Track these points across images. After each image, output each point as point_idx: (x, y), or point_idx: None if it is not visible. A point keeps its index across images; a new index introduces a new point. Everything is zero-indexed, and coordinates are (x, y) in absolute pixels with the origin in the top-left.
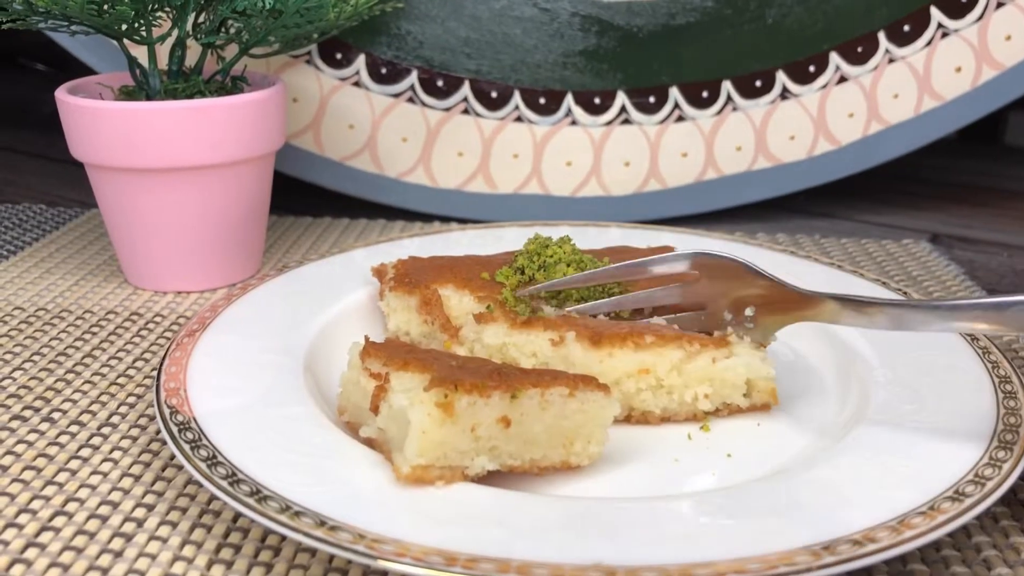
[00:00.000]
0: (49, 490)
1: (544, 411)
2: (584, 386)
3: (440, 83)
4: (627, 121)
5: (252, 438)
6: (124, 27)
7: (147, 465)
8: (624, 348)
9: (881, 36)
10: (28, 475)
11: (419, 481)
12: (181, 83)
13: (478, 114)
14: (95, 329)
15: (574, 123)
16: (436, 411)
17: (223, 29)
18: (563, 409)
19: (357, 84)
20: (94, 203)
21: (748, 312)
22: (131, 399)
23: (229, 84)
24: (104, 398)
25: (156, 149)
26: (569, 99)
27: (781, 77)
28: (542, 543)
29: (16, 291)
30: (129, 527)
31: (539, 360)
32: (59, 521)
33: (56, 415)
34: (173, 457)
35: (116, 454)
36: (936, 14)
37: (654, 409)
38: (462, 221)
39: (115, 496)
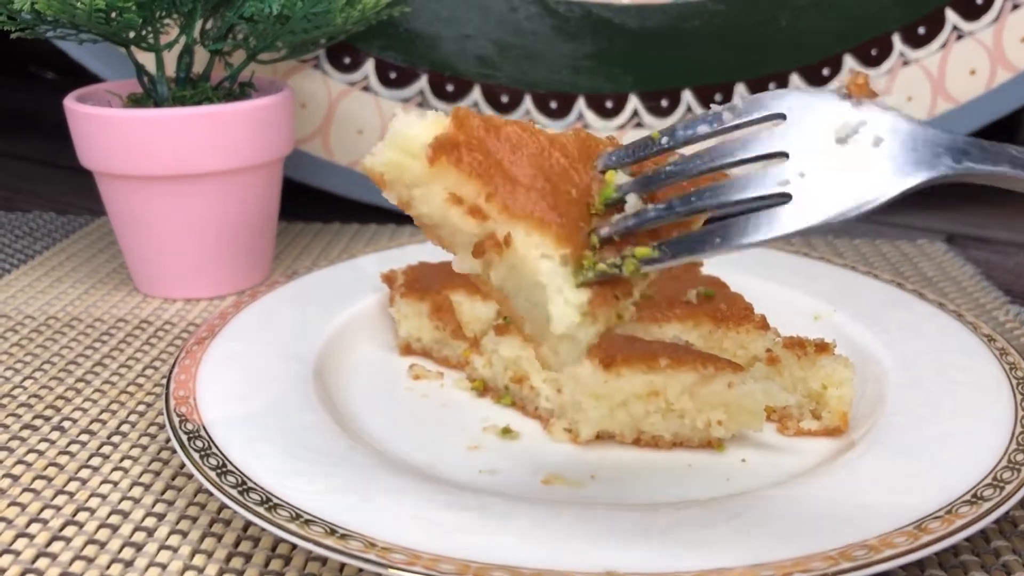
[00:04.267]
0: (60, 499)
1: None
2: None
3: (450, 87)
4: (640, 124)
5: (262, 446)
6: (132, 34)
7: (157, 474)
8: (634, 369)
9: (895, 38)
10: (39, 484)
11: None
12: (189, 90)
13: None
14: (105, 337)
15: (586, 127)
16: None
17: (230, 35)
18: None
19: (366, 89)
20: (103, 211)
21: None
22: (141, 407)
23: (237, 90)
24: (114, 407)
25: (165, 156)
26: (581, 103)
27: (794, 80)
28: (554, 550)
29: (27, 300)
30: (139, 536)
31: (549, 374)
32: (70, 531)
33: (66, 424)
34: (183, 466)
35: (126, 463)
36: (951, 16)
37: (664, 433)
38: None
39: (125, 505)
